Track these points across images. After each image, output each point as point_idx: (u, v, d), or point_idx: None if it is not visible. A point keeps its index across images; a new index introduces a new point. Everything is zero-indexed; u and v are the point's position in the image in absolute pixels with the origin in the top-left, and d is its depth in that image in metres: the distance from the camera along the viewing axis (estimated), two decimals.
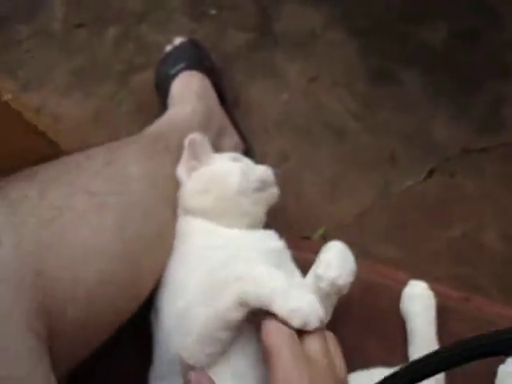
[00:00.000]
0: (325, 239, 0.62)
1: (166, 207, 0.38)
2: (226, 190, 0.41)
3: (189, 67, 0.62)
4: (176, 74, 0.62)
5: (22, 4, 0.85)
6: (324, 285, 0.36)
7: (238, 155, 0.46)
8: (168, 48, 0.68)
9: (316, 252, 0.46)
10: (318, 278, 0.36)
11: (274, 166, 0.66)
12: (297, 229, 0.62)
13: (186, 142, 0.43)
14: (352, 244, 0.62)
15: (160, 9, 0.80)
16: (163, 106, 0.62)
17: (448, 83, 0.71)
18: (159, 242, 0.35)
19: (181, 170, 0.43)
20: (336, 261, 0.37)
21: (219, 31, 0.79)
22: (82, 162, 0.34)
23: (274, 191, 0.45)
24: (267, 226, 0.61)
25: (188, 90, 0.58)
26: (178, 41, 0.68)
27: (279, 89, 0.72)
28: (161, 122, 0.49)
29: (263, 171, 0.45)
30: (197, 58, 0.65)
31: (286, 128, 0.68)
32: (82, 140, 0.73)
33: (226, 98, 0.68)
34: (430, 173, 0.64)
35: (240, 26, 0.79)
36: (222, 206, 0.41)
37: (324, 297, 0.36)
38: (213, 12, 0.81)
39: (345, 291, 0.37)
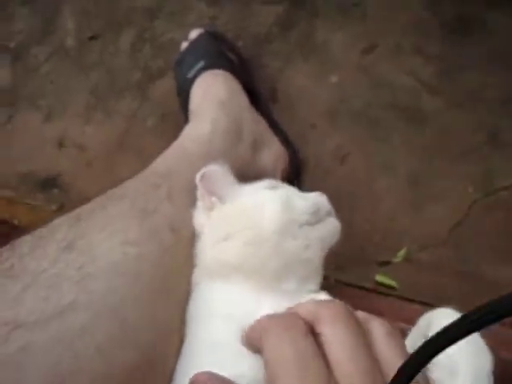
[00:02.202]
0: (409, 262, 0.48)
1: (161, 301, 0.26)
2: (259, 231, 0.29)
3: (209, 66, 0.50)
4: (195, 77, 0.50)
5: (37, 26, 0.78)
6: None
7: (276, 182, 0.34)
8: (183, 45, 0.57)
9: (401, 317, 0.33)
10: None
11: (330, 169, 0.54)
12: (371, 252, 0.48)
13: (197, 178, 0.32)
14: (450, 268, 0.47)
15: None
16: (186, 119, 0.51)
17: None
18: (154, 361, 0.24)
19: (197, 216, 0.31)
20: (464, 362, 0.23)
21: (243, 11, 0.65)
22: (26, 253, 0.23)
23: (332, 225, 0.32)
24: (331, 253, 0.48)
25: (208, 98, 0.46)
26: (193, 34, 0.56)
27: (326, 70, 0.57)
28: (170, 151, 0.37)
29: (315, 198, 0.32)
30: (217, 52, 0.53)
31: (341, 119, 0.54)
32: (111, 168, 0.65)
33: (261, 94, 0.55)
34: None
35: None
36: (255, 255, 0.29)
37: None
38: None
39: None
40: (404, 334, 0.29)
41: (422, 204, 0.47)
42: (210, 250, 0.30)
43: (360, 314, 0.22)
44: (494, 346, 0.32)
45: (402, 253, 0.47)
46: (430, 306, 0.44)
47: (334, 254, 0.49)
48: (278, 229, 0.28)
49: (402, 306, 0.42)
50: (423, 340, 0.26)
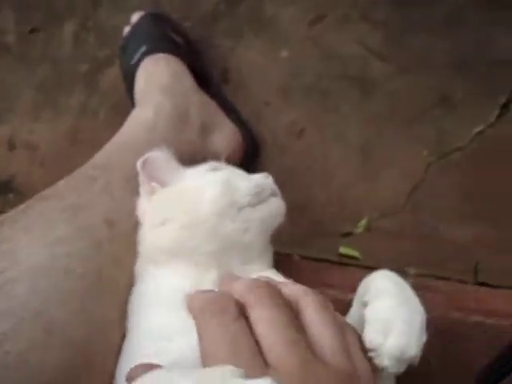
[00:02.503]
0: (370, 231, 0.48)
1: (95, 296, 0.25)
2: (196, 214, 0.28)
3: (151, 50, 0.48)
4: (138, 63, 0.48)
5: None
6: (385, 362, 0.23)
7: (220, 164, 0.33)
8: (126, 30, 0.54)
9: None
10: (371, 350, 0.23)
11: (286, 146, 0.53)
12: (331, 225, 0.48)
13: (139, 165, 0.31)
14: (410, 232, 0.47)
15: None
16: (134, 107, 0.49)
17: None
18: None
19: (140, 203, 0.31)
20: (397, 318, 0.23)
21: None
22: None
23: (274, 205, 0.31)
24: (292, 230, 0.48)
25: (150, 84, 0.44)
26: (134, 18, 0.54)
27: (276, 45, 0.55)
28: (111, 142, 0.36)
29: (258, 179, 0.31)
30: (160, 34, 0.51)
31: (293, 94, 0.53)
32: (65, 166, 0.63)
33: (211, 75, 0.53)
34: (504, 107, 0.46)
35: None
36: (191, 238, 0.28)
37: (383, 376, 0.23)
38: None
39: (416, 362, 0.24)
40: None
41: (378, 172, 0.47)
42: (148, 235, 0.29)
43: (292, 290, 0.22)
44: (444, 306, 0.33)
45: (362, 223, 0.47)
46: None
47: (296, 231, 0.49)
48: (216, 211, 0.28)
49: (365, 276, 0.42)
50: (362, 307, 0.26)
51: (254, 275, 0.26)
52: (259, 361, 0.19)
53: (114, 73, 0.61)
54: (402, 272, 0.44)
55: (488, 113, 0.46)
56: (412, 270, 0.43)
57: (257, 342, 0.19)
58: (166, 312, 0.25)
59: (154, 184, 0.31)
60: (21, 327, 0.21)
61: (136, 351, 0.24)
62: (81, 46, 0.65)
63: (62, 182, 0.30)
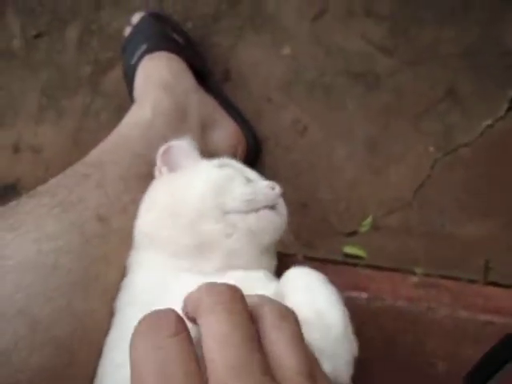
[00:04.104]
0: (376, 229, 0.46)
1: (82, 292, 0.24)
2: (180, 206, 0.28)
3: (152, 49, 0.48)
4: (138, 62, 0.48)
5: None
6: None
7: (229, 161, 0.32)
8: (127, 31, 0.54)
9: None
10: None
11: (290, 143, 0.52)
12: (337, 224, 0.46)
13: (160, 151, 0.32)
14: (416, 230, 0.46)
15: None
16: None
17: None
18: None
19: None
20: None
21: None
22: None
23: (265, 219, 0.28)
24: (296, 230, 0.46)
25: (150, 81, 0.44)
26: (135, 18, 0.54)
27: (278, 42, 0.55)
28: (106, 141, 0.36)
29: (258, 187, 0.29)
30: (160, 34, 0.50)
31: (296, 90, 0.52)
32: (68, 168, 0.63)
33: (211, 74, 0.53)
34: None
35: None
36: (168, 228, 0.28)
37: None
38: None
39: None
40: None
41: (383, 169, 0.46)
42: (138, 219, 0.29)
43: (255, 297, 0.19)
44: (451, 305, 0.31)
45: (367, 221, 0.45)
46: (397, 271, 0.43)
47: (300, 230, 0.48)
48: (198, 208, 0.27)
49: (371, 275, 0.41)
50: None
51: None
52: None
53: (116, 75, 0.61)
54: (408, 272, 0.43)
55: (496, 106, 0.45)
56: (419, 270, 0.42)
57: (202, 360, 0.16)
58: (139, 311, 0.23)
59: (163, 169, 0.31)
60: (6, 324, 0.21)
61: (110, 355, 0.24)
62: (84, 49, 0.66)
63: (54, 180, 0.30)
